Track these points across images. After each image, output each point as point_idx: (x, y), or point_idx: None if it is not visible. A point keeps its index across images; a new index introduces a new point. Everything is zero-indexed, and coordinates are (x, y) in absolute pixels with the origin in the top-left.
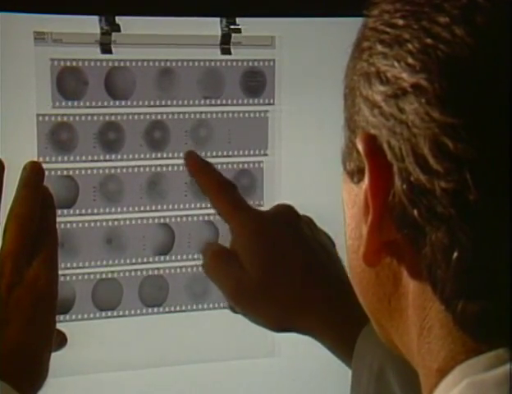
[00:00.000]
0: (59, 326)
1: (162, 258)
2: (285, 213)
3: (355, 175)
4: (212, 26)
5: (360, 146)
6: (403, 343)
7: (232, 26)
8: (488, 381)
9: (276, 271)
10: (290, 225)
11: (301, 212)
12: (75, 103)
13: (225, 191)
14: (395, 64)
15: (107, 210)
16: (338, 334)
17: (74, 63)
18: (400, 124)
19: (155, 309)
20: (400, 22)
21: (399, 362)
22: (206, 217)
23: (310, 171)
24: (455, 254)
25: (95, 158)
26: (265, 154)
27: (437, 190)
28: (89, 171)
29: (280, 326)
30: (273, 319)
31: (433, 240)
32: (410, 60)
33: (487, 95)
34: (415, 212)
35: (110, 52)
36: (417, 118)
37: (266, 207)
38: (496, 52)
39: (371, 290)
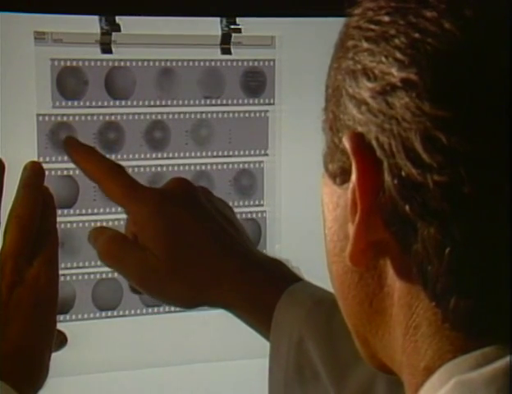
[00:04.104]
0: (59, 326)
1: None
2: (181, 187)
3: (338, 176)
4: (212, 26)
5: (347, 145)
6: (383, 345)
7: (232, 26)
8: (476, 380)
9: (182, 247)
10: (187, 198)
11: (302, 212)
12: (75, 103)
13: (114, 175)
14: (383, 60)
15: (107, 210)
16: (254, 305)
17: (74, 63)
18: (389, 120)
19: (155, 309)
20: (386, 19)
21: (318, 331)
22: None
23: (310, 171)
24: (448, 250)
25: None
26: (265, 154)
27: (430, 183)
28: None
29: (192, 303)
30: (185, 297)
31: (425, 236)
32: (398, 55)
33: (478, 87)
34: (407, 207)
35: (110, 52)
36: (407, 113)
37: (266, 207)
38: (485, 44)
39: (352, 292)
